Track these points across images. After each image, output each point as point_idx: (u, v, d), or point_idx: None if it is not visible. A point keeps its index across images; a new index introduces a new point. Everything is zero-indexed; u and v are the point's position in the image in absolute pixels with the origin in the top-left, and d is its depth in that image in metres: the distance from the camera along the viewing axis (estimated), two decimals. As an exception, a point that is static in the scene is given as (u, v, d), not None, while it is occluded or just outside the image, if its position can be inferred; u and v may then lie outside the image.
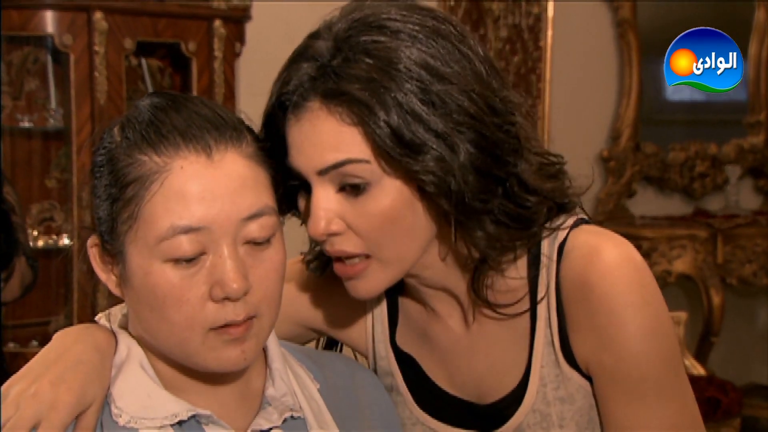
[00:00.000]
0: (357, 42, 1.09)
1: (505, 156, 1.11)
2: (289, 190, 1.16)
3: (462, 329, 1.23)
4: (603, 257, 1.13)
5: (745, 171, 4.65)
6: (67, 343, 1.06)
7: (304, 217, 1.15)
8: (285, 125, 1.12)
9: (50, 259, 3.24)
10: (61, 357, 1.04)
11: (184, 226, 0.99)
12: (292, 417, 1.10)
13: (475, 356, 1.23)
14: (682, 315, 3.82)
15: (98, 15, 3.13)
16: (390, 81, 1.07)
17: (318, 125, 1.09)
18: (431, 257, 1.17)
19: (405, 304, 1.29)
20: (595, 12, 4.39)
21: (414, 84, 1.07)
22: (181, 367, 1.07)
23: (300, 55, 1.12)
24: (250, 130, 1.08)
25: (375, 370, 1.30)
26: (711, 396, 3.72)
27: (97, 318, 1.13)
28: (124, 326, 1.10)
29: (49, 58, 3.33)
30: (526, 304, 1.18)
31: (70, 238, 3.26)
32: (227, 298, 1.00)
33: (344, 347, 1.35)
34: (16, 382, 1.02)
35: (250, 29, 3.52)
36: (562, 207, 1.20)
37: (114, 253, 1.04)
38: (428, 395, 1.26)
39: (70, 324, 1.13)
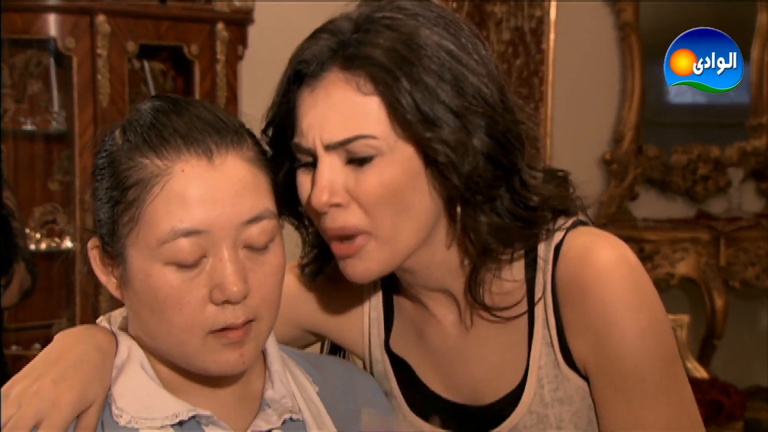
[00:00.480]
0: (376, 18, 1.10)
1: (511, 149, 1.12)
2: (289, 178, 1.16)
3: (458, 331, 1.23)
4: (598, 258, 1.13)
5: (747, 174, 4.65)
6: (69, 343, 1.07)
7: (305, 197, 1.14)
8: (297, 99, 1.12)
9: (53, 261, 3.25)
10: (62, 357, 1.04)
11: (185, 229, 0.99)
12: (291, 419, 1.10)
13: (471, 358, 1.23)
14: (685, 318, 3.81)
15: (101, 18, 3.14)
16: (411, 54, 1.08)
17: (333, 93, 1.09)
18: (432, 252, 1.17)
19: (401, 306, 1.29)
20: (598, 15, 4.39)
21: (433, 62, 1.08)
22: (181, 369, 1.07)
23: (319, 30, 1.13)
24: (251, 134, 1.08)
25: (372, 374, 1.30)
26: (713, 399, 3.71)
27: (98, 321, 1.14)
28: (125, 328, 1.11)
29: (52, 61, 3.33)
30: (523, 307, 1.18)
31: (73, 240, 3.27)
32: (227, 301, 1.00)
33: (348, 353, 1.36)
34: (17, 382, 1.02)
35: (253, 32, 3.53)
36: (564, 210, 1.20)
37: (114, 256, 1.05)
38: (422, 400, 1.26)
39: (73, 327, 1.13)
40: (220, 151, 1.02)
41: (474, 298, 1.17)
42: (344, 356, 1.35)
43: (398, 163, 1.10)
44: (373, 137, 1.09)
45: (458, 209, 1.13)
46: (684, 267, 4.14)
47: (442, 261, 1.18)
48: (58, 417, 1.00)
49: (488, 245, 1.14)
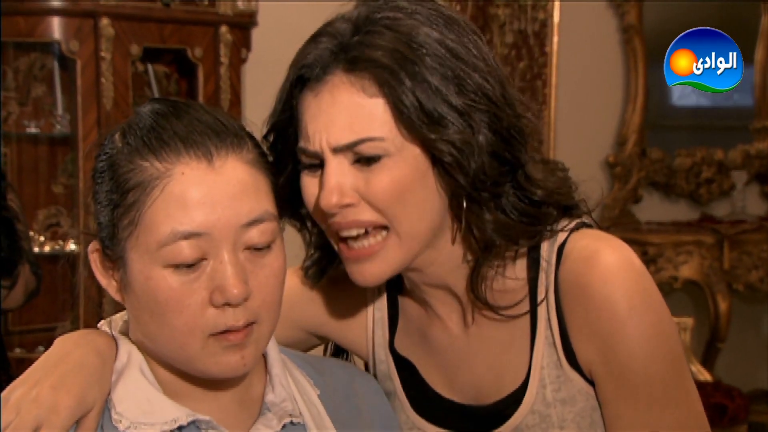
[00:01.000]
0: (377, 19, 1.10)
1: (514, 144, 1.12)
2: (291, 181, 1.16)
3: (461, 331, 1.23)
4: (602, 262, 1.13)
5: (751, 177, 4.64)
6: (68, 348, 1.07)
7: (310, 200, 1.14)
8: (301, 103, 1.12)
9: (57, 264, 3.25)
10: (61, 361, 1.04)
11: (185, 231, 0.99)
12: (291, 422, 1.10)
13: (474, 358, 1.23)
14: (689, 321, 3.80)
15: (105, 21, 3.14)
16: (412, 54, 1.08)
17: (338, 97, 1.10)
18: (437, 249, 1.17)
19: (405, 305, 1.29)
20: (601, 17, 4.39)
21: (434, 60, 1.08)
22: (181, 373, 1.07)
23: (319, 33, 1.13)
24: (251, 136, 1.08)
25: (375, 375, 1.30)
26: (717, 402, 3.70)
27: (99, 325, 1.14)
28: (126, 333, 1.11)
29: (56, 65, 3.34)
30: (525, 306, 1.18)
31: (77, 243, 3.27)
32: (227, 304, 1.00)
33: (351, 355, 1.36)
34: (17, 387, 1.02)
35: (257, 35, 3.53)
36: (569, 210, 1.20)
37: (115, 259, 1.05)
38: (425, 400, 1.26)
39: (77, 329, 1.13)
40: (220, 153, 1.02)
41: (476, 295, 1.17)
42: (347, 358, 1.35)
43: (406, 162, 1.10)
44: (381, 139, 1.09)
45: (464, 207, 1.13)
46: (688, 270, 4.13)
47: (447, 258, 1.18)
48: (57, 422, 0.99)
49: (492, 242, 1.14)
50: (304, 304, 1.31)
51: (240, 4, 3.43)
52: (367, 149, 1.09)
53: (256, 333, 1.03)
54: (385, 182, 1.10)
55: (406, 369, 1.28)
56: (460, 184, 1.10)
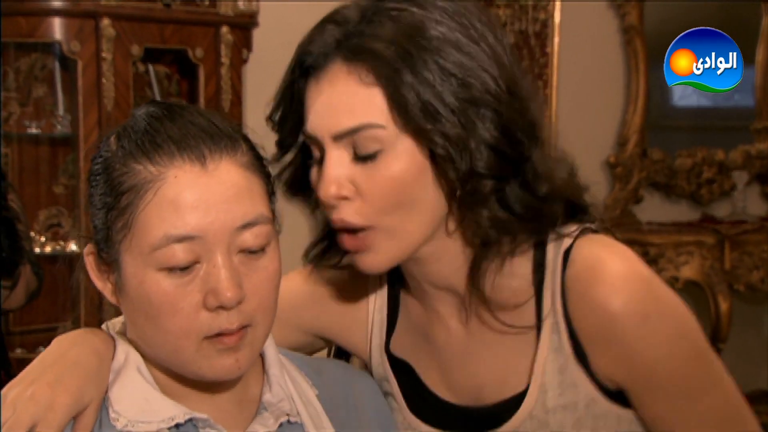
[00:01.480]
0: (383, 8, 1.10)
1: (520, 139, 1.11)
2: (298, 171, 1.17)
3: (463, 332, 1.23)
4: (608, 273, 1.13)
5: (752, 177, 4.63)
6: (65, 347, 1.07)
7: (317, 190, 1.15)
8: (304, 90, 1.13)
9: (57, 264, 3.25)
10: (58, 360, 1.05)
11: (178, 235, 0.99)
12: (288, 422, 1.10)
13: (475, 359, 1.22)
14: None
15: (106, 21, 3.14)
16: (414, 47, 1.08)
17: (337, 85, 1.10)
18: (439, 243, 1.16)
19: (407, 304, 1.29)
20: (602, 18, 4.39)
21: (437, 55, 1.08)
22: (179, 374, 1.07)
23: (325, 19, 1.13)
24: (246, 138, 1.08)
25: (373, 376, 1.30)
26: (718, 403, 3.70)
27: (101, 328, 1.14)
28: (124, 333, 1.11)
29: (57, 65, 3.34)
30: (530, 312, 1.18)
31: (78, 244, 3.27)
32: (221, 307, 1.00)
33: (353, 358, 1.36)
34: (14, 386, 1.03)
35: (257, 35, 3.53)
36: (575, 212, 1.19)
37: (110, 262, 1.05)
38: (422, 401, 1.26)
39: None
40: (214, 156, 1.02)
41: (475, 287, 1.16)
42: (349, 361, 1.35)
43: (404, 157, 1.10)
44: (381, 126, 1.09)
45: (459, 201, 1.12)
46: (688, 270, 4.13)
47: (449, 253, 1.18)
48: (53, 420, 1.00)
49: (488, 237, 1.13)
50: (307, 306, 1.31)
51: (241, 5, 3.43)
52: (366, 140, 1.09)
53: (250, 336, 1.03)
54: (382, 178, 1.10)
55: (402, 370, 1.28)
56: (451, 179, 1.10)
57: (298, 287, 1.30)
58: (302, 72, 1.13)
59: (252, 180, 1.04)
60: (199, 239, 1.00)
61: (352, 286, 1.23)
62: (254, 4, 3.47)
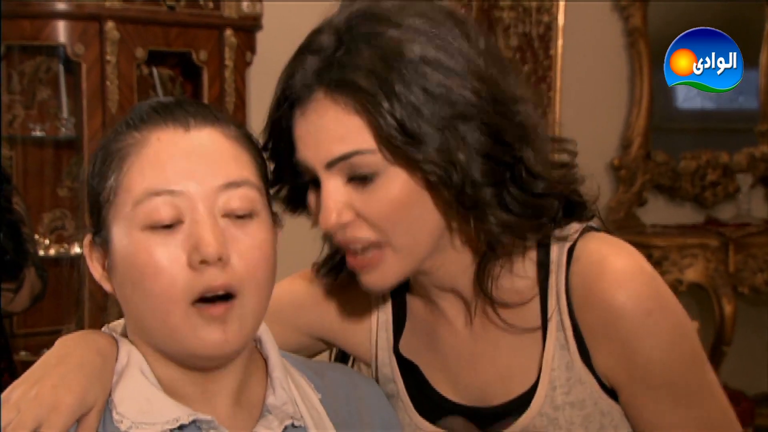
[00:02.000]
0: (358, 33, 1.10)
1: (510, 142, 1.11)
2: (298, 190, 1.17)
3: (470, 333, 1.24)
4: (612, 268, 1.13)
5: (756, 180, 4.63)
6: (69, 347, 1.07)
7: (315, 213, 1.16)
8: (292, 121, 1.13)
9: (62, 267, 3.25)
10: (62, 361, 1.05)
11: (159, 188, 1.01)
12: (293, 425, 1.10)
13: (482, 359, 1.23)
14: (694, 324, 3.79)
15: (110, 24, 3.15)
16: (391, 72, 1.08)
17: (323, 116, 1.10)
18: (445, 253, 1.17)
19: (413, 306, 1.29)
20: (606, 21, 4.39)
21: (415, 75, 1.08)
22: (181, 373, 1.07)
23: (303, 49, 1.14)
24: (239, 125, 1.09)
25: (377, 378, 1.30)
26: (723, 405, 3.69)
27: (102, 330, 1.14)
28: (125, 335, 1.11)
29: (61, 68, 3.34)
30: (535, 311, 1.18)
31: (82, 246, 3.27)
32: (204, 262, 1.00)
33: (356, 362, 1.36)
34: (17, 387, 1.03)
35: (261, 38, 3.53)
36: (573, 210, 1.19)
37: (102, 243, 1.06)
38: (428, 402, 1.26)
39: (79, 332, 1.14)
40: (198, 123, 1.05)
41: (482, 289, 1.17)
42: (352, 364, 1.35)
43: (398, 180, 1.11)
44: (371, 152, 1.09)
45: (465, 214, 1.13)
46: (693, 273, 4.13)
47: (455, 261, 1.18)
48: (57, 421, 1.00)
49: (499, 241, 1.14)
50: (309, 308, 1.31)
51: (245, 7, 3.43)
52: (359, 163, 1.10)
53: (238, 309, 1.03)
54: (381, 201, 1.10)
55: (409, 371, 1.28)
56: (449, 197, 1.10)
57: (301, 288, 1.30)
58: (288, 105, 1.13)
59: (239, 150, 1.06)
60: (180, 194, 1.01)
61: (355, 287, 1.23)
62: (258, 7, 3.48)
